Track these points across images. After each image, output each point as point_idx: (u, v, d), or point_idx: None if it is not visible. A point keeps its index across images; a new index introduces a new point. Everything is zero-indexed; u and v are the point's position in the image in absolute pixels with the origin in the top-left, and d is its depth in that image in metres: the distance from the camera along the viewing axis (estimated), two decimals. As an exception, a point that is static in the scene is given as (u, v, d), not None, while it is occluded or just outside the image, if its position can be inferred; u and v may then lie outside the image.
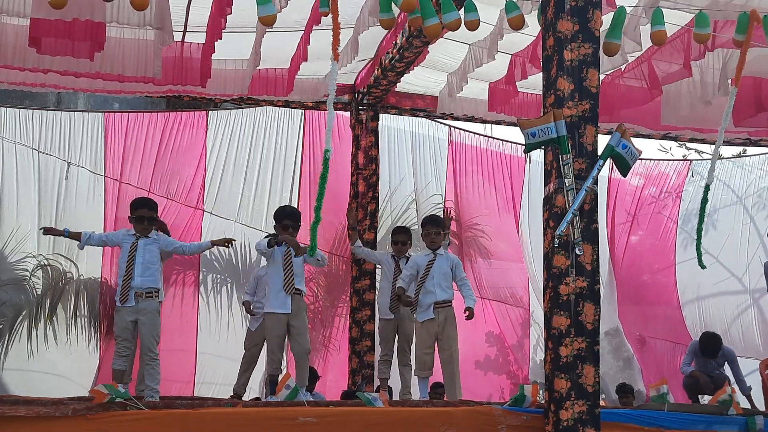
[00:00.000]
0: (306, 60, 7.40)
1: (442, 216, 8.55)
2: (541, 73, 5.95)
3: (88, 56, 6.65)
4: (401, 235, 8.40)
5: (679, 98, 8.19)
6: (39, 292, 9.43)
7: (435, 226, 7.85)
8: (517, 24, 6.53)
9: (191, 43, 7.53)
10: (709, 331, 9.59)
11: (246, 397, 8.28)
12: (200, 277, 9.85)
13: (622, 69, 8.02)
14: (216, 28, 6.62)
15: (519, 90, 8.55)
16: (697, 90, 8.01)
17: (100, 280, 9.49)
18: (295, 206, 9.45)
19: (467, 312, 7.49)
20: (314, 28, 6.74)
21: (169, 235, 7.78)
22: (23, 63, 7.23)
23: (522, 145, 10.95)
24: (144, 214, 7.11)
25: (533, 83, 8.13)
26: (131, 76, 7.39)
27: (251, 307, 8.29)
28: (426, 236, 7.83)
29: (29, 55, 7.05)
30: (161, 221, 7.88)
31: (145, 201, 7.43)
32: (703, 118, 8.61)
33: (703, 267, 7.22)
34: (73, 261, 9.48)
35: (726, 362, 9.20)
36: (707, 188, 7.21)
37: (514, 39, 7.56)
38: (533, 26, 6.55)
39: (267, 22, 6.03)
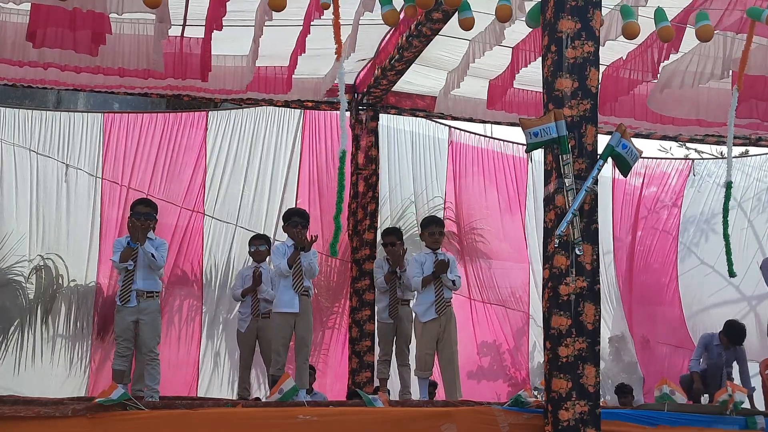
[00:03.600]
0: (304, 52, 7.38)
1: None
2: (540, 67, 5.93)
3: (89, 51, 6.62)
4: (390, 236, 8.38)
5: (672, 86, 8.13)
6: (32, 297, 9.40)
7: (438, 226, 7.90)
8: (504, 16, 6.26)
9: (191, 38, 7.52)
10: (733, 319, 9.57)
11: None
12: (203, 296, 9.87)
13: (624, 58, 7.97)
14: (215, 16, 6.59)
15: (518, 87, 8.52)
16: (693, 79, 7.96)
17: (95, 284, 9.47)
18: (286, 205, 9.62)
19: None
20: (313, 23, 6.70)
21: None
22: (23, 57, 7.21)
23: (523, 145, 10.98)
24: (141, 210, 7.13)
25: (533, 80, 8.11)
26: (132, 69, 7.39)
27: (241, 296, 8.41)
28: (430, 236, 7.84)
29: (29, 49, 7.04)
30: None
31: (143, 199, 7.51)
32: (691, 110, 8.59)
33: (733, 275, 7.08)
34: (65, 263, 9.47)
35: (736, 359, 9.17)
36: (729, 186, 7.19)
37: (515, 33, 7.55)
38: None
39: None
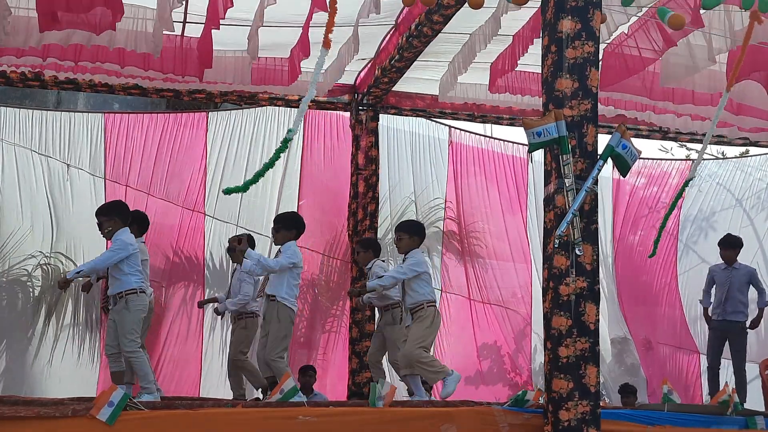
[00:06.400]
0: (308, 56, 7.36)
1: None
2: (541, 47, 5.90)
3: (109, 26, 6.53)
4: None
5: (676, 62, 8.04)
6: (36, 294, 9.40)
7: (396, 231, 7.71)
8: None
9: (191, 37, 7.52)
10: None
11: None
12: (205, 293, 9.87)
13: (626, 32, 7.88)
14: (215, 16, 6.57)
15: (520, 68, 8.43)
16: (700, 52, 7.86)
17: (99, 282, 9.47)
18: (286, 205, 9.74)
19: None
20: (314, 24, 6.69)
21: (147, 227, 7.81)
22: (23, 44, 7.18)
23: (523, 145, 10.98)
24: (98, 220, 7.09)
25: (535, 60, 8.06)
26: (130, 51, 7.36)
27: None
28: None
29: (29, 37, 7.01)
30: (142, 215, 7.82)
31: (99, 208, 7.36)
32: (700, 83, 8.51)
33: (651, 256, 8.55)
34: (72, 261, 9.47)
35: (750, 281, 9.02)
36: (687, 183, 7.54)
37: (514, 20, 7.51)
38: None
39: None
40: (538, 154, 7.20)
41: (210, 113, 10.10)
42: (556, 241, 5.44)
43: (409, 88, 9.60)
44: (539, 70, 5.90)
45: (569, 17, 5.63)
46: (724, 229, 11.24)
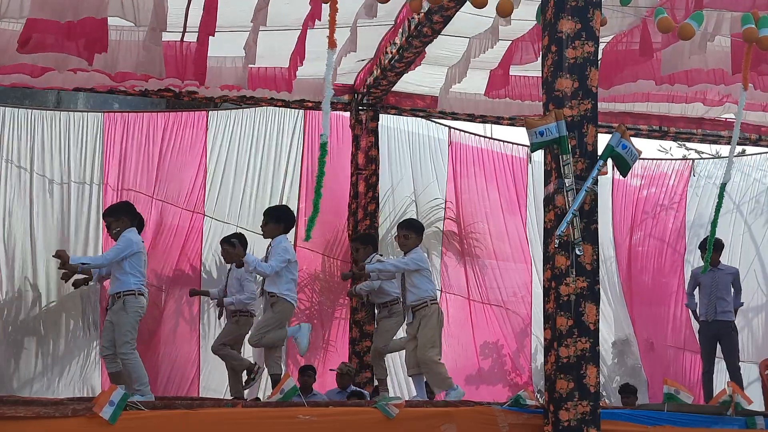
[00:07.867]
0: (304, 58, 7.36)
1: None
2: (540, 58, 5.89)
3: (86, 57, 6.54)
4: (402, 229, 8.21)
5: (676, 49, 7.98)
6: (40, 297, 9.39)
7: (398, 229, 7.73)
8: (505, 10, 6.15)
9: (190, 42, 7.51)
10: None
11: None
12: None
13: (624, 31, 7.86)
14: (209, 22, 6.54)
15: (518, 73, 8.43)
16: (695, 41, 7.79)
17: (100, 285, 9.46)
18: (288, 205, 9.52)
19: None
20: (316, 26, 6.68)
21: (142, 228, 7.76)
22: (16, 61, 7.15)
23: (522, 145, 10.99)
24: (106, 221, 7.11)
25: (534, 65, 8.04)
26: (129, 72, 7.36)
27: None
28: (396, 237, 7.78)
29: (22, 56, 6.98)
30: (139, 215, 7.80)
31: (106, 209, 7.37)
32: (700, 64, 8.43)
33: (704, 272, 8.04)
34: None
35: (733, 282, 9.08)
36: (723, 187, 6.95)
37: (515, 26, 7.52)
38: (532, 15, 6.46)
39: None
40: (538, 154, 7.23)
41: (210, 113, 10.08)
42: (557, 241, 5.44)
43: (409, 88, 9.60)
44: (537, 74, 5.91)
45: (569, 17, 5.64)
46: (721, 235, 11.19)
